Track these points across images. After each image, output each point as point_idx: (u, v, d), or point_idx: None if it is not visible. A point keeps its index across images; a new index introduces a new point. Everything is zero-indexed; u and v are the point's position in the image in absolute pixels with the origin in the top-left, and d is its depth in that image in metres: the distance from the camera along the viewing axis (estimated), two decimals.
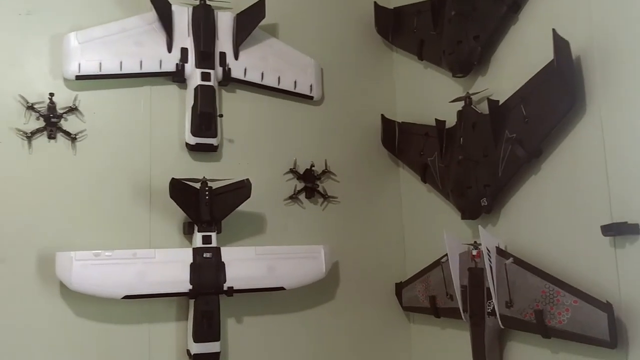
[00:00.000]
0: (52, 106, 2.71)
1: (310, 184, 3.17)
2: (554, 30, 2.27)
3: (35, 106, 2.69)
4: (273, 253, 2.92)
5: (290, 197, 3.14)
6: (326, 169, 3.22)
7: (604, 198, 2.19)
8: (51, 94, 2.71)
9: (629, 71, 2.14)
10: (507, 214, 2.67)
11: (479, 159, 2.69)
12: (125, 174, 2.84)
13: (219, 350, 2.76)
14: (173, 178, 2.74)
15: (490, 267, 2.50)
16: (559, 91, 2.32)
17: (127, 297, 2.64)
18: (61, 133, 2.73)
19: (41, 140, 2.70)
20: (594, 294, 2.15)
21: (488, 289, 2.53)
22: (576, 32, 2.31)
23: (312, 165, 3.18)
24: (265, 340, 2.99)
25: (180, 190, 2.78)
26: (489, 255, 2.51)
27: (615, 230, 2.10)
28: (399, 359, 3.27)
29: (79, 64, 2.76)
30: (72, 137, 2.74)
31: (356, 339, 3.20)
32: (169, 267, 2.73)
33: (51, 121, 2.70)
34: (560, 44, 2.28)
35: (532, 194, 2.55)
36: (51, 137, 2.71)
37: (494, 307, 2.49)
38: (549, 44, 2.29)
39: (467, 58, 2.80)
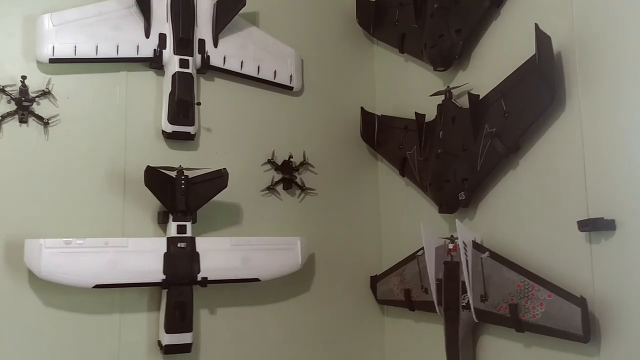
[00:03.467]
0: (24, 89, 2.63)
1: (288, 175, 3.14)
2: (536, 25, 2.27)
3: (6, 89, 2.61)
4: (248, 244, 2.89)
5: (268, 188, 3.11)
6: (304, 160, 3.20)
7: (581, 194, 2.20)
8: (23, 77, 2.63)
9: (609, 68, 2.16)
10: (485, 208, 2.68)
11: (458, 153, 2.69)
12: (99, 160, 2.77)
13: (190, 342, 2.73)
14: (148, 166, 2.69)
15: (466, 261, 2.50)
16: (539, 87, 2.33)
17: (98, 286, 2.58)
18: (33, 117, 2.66)
19: (12, 124, 2.62)
20: (569, 288, 2.17)
21: (463, 282, 2.54)
22: (557, 28, 2.32)
23: (291, 157, 3.15)
24: (238, 331, 2.96)
25: (155, 179, 2.73)
26: (465, 249, 2.51)
27: (591, 226, 2.12)
28: (372, 351, 3.27)
29: (53, 47, 2.68)
30: (45, 122, 2.67)
31: (330, 331, 3.19)
32: (142, 256, 2.68)
33: (23, 105, 2.63)
34: (542, 39, 2.29)
35: (510, 189, 2.56)
36: (23, 121, 2.64)
37: (468, 300, 2.50)
38: (530, 39, 2.30)
39: (449, 52, 2.80)
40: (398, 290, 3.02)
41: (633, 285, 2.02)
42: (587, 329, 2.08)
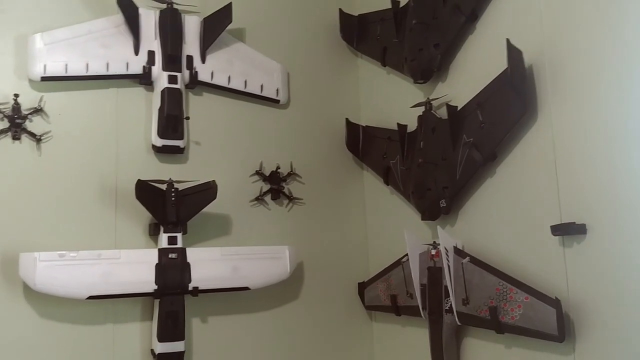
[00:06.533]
0: (16, 107, 2.70)
1: (275, 185, 3.22)
2: (507, 40, 2.38)
3: None
4: (238, 254, 2.97)
5: (256, 199, 3.19)
6: (292, 171, 3.28)
7: (553, 199, 2.31)
8: (16, 95, 2.71)
9: (577, 80, 2.27)
10: (465, 215, 2.77)
11: (438, 162, 2.78)
12: (91, 175, 2.84)
13: (183, 350, 2.79)
14: (139, 179, 2.76)
15: (448, 266, 2.59)
16: (513, 98, 2.43)
17: (91, 297, 2.65)
18: (26, 134, 2.73)
19: (5, 141, 2.69)
20: (544, 290, 2.27)
21: (446, 287, 2.62)
22: (529, 42, 2.43)
23: (278, 168, 3.24)
24: (229, 339, 3.03)
25: (146, 192, 2.80)
26: (447, 255, 2.61)
27: (563, 230, 2.22)
28: (361, 356, 3.35)
29: (45, 65, 2.76)
30: (37, 139, 2.74)
31: (320, 338, 3.26)
32: (134, 267, 2.75)
33: (16, 122, 2.70)
34: (514, 53, 2.40)
35: (488, 196, 2.66)
36: (15, 138, 2.71)
37: (451, 304, 2.59)
38: (503, 53, 2.41)
39: (428, 65, 2.90)
40: (385, 296, 3.11)
41: (604, 286, 2.12)
42: (562, 329, 2.17)
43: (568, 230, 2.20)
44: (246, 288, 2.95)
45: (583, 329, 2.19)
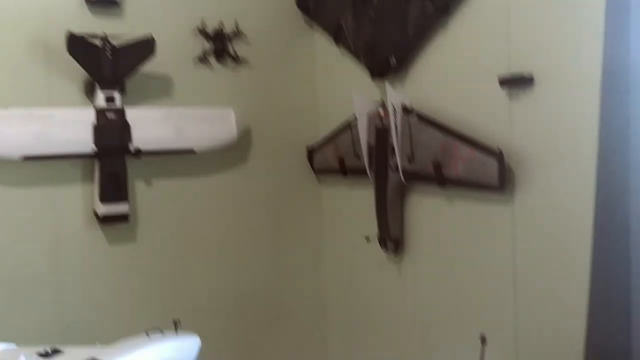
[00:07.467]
0: None
1: (220, 45, 3.05)
2: None
3: None
4: (181, 115, 2.87)
5: (199, 59, 3.02)
6: (237, 30, 3.10)
7: (504, 51, 2.24)
8: None
9: None
10: (415, 72, 2.68)
11: (391, 17, 2.65)
12: (17, 25, 2.62)
13: (127, 212, 2.76)
14: (70, 32, 2.57)
15: (395, 124, 2.55)
16: None
17: (27, 158, 2.54)
18: None
19: None
20: (490, 144, 2.25)
21: (393, 146, 2.60)
22: None
23: (222, 26, 3.05)
24: (175, 202, 3.00)
25: (79, 46, 2.63)
26: (395, 112, 2.56)
27: (511, 82, 2.17)
28: (310, 218, 3.38)
29: None
30: None
31: (268, 202, 3.26)
32: (71, 127, 2.64)
33: None
34: None
35: (439, 52, 2.56)
36: None
37: (397, 162, 2.58)
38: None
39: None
40: (333, 158, 3.09)
41: (547, 139, 2.12)
42: (503, 179, 2.19)
43: (516, 82, 2.16)
44: (191, 151, 2.88)
45: (524, 180, 2.21)
